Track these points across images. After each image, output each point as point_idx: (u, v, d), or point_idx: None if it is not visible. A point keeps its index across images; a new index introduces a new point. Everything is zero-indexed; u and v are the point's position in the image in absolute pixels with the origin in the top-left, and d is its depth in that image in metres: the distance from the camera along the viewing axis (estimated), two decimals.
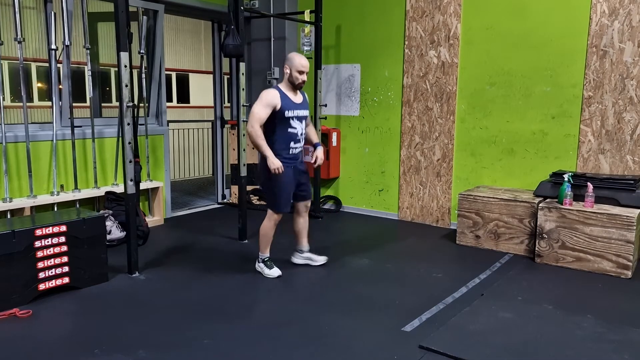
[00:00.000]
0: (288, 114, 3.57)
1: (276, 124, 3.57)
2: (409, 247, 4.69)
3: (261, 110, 3.49)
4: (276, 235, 3.88)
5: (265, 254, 3.84)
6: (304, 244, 4.02)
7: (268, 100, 3.51)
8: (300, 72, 3.56)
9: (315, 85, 5.52)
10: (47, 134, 4.48)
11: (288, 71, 3.58)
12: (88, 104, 4.92)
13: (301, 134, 3.70)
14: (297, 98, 3.67)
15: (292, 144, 3.65)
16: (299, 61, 3.55)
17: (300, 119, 3.66)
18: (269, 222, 3.78)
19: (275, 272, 3.77)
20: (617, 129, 4.35)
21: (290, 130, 3.62)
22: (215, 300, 3.36)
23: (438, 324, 3.01)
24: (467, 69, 5.04)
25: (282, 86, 3.63)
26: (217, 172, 6.46)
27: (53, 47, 4.38)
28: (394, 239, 4.92)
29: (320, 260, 4.00)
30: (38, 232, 3.27)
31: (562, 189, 4.09)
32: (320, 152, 3.79)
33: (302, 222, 3.98)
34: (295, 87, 3.63)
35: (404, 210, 5.57)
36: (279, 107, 3.52)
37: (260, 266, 3.83)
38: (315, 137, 3.92)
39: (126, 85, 3.58)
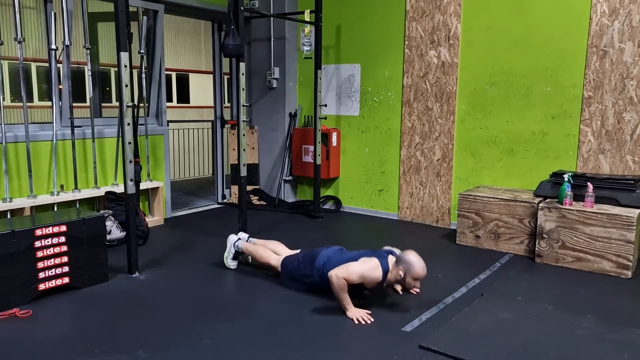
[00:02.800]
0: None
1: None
2: (409, 247, 4.66)
3: (355, 276, 3.08)
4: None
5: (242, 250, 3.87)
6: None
7: (369, 277, 3.10)
8: (416, 280, 3.11)
9: (315, 85, 5.52)
10: (47, 134, 4.48)
11: (402, 274, 3.08)
12: (88, 104, 4.92)
13: None
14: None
15: None
16: (419, 268, 3.06)
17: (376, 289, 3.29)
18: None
19: (233, 264, 3.89)
20: (617, 129, 4.35)
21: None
22: (215, 300, 3.36)
23: (438, 324, 3.01)
24: (467, 69, 5.04)
25: (389, 276, 3.14)
26: (217, 172, 6.46)
27: (53, 47, 4.38)
28: (394, 239, 4.92)
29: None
30: (38, 232, 3.27)
31: (562, 189, 4.09)
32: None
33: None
34: (402, 289, 3.24)
35: (404, 210, 5.57)
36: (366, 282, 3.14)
37: (231, 250, 3.91)
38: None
39: (126, 85, 3.58)
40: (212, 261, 4.16)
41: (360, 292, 3.28)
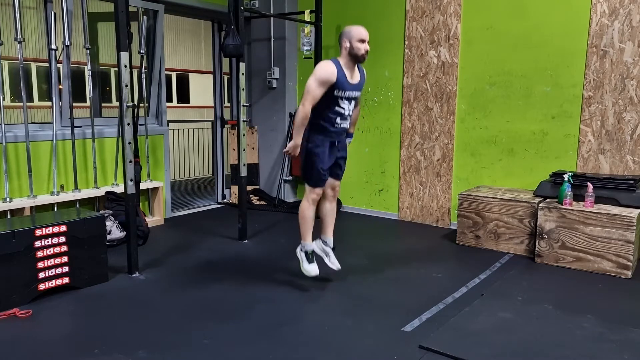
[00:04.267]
0: (338, 93, 3.30)
1: (323, 99, 3.29)
2: (409, 247, 4.69)
3: (316, 88, 3.21)
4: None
5: (307, 241, 3.52)
6: (327, 234, 3.70)
7: (325, 76, 3.22)
8: (362, 41, 3.26)
9: None
10: (47, 134, 4.48)
11: (347, 44, 3.27)
12: (88, 104, 4.92)
13: (348, 114, 3.44)
14: (355, 77, 3.40)
15: (337, 120, 3.39)
16: (357, 30, 3.27)
17: (350, 99, 3.40)
18: (306, 202, 3.50)
19: (313, 269, 3.49)
20: (617, 129, 4.35)
21: (337, 108, 3.35)
22: (215, 300, 3.36)
23: (438, 324, 3.01)
24: (467, 69, 5.04)
25: (341, 60, 3.31)
26: (217, 172, 6.46)
27: (53, 47, 4.38)
28: (394, 239, 4.92)
29: (335, 265, 3.59)
30: (38, 232, 3.27)
31: (562, 189, 4.09)
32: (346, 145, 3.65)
33: (327, 208, 3.67)
34: (358, 59, 3.32)
35: (404, 210, 5.57)
36: (332, 84, 3.25)
37: (300, 255, 3.55)
38: (352, 126, 3.64)
39: (126, 85, 3.58)
40: (212, 261, 4.16)
41: (362, 294, 3.23)
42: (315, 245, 3.60)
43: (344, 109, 3.38)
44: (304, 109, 3.22)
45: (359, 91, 3.47)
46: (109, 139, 4.94)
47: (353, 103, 3.47)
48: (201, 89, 16.98)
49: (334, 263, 3.60)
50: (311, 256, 3.54)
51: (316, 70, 3.27)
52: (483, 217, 4.51)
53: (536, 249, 4.17)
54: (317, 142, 3.40)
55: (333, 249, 3.67)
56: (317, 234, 3.64)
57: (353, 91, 3.39)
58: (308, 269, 3.51)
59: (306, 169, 3.47)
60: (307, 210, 3.50)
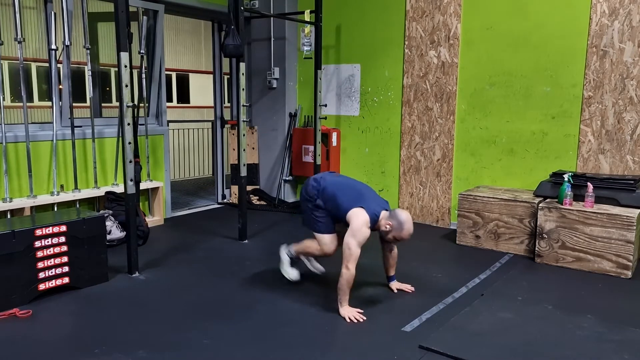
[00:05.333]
0: None
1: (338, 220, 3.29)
2: (408, 247, 4.68)
3: (358, 250, 3.09)
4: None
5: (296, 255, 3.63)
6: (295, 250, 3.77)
7: (364, 239, 3.11)
8: (400, 240, 3.20)
9: (315, 85, 5.52)
10: (47, 134, 4.48)
11: (388, 229, 3.15)
12: (88, 104, 4.92)
13: None
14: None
15: None
16: (407, 231, 3.12)
17: None
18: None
19: (295, 274, 3.62)
20: (617, 129, 4.35)
21: None
22: (215, 300, 3.36)
23: (438, 324, 3.01)
24: (467, 69, 5.04)
25: (378, 224, 3.19)
26: (217, 172, 6.46)
27: (53, 47, 4.38)
28: None
29: (318, 269, 3.71)
30: (38, 232, 3.26)
31: (562, 189, 4.09)
32: (400, 285, 3.56)
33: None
34: (382, 239, 3.31)
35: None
36: None
37: (284, 257, 3.65)
38: (393, 269, 3.57)
39: (126, 85, 3.58)
40: (212, 261, 4.16)
41: (362, 294, 3.24)
42: (292, 249, 3.67)
43: None
44: (350, 272, 3.08)
45: None
46: (109, 139, 4.94)
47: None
48: (201, 89, 16.98)
49: (317, 267, 3.71)
50: (296, 262, 3.65)
51: (355, 230, 3.10)
52: (483, 217, 4.51)
53: (536, 249, 4.17)
54: (324, 221, 3.39)
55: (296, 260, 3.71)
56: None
57: None
58: (288, 272, 3.63)
59: (313, 224, 3.44)
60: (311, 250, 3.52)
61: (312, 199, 3.36)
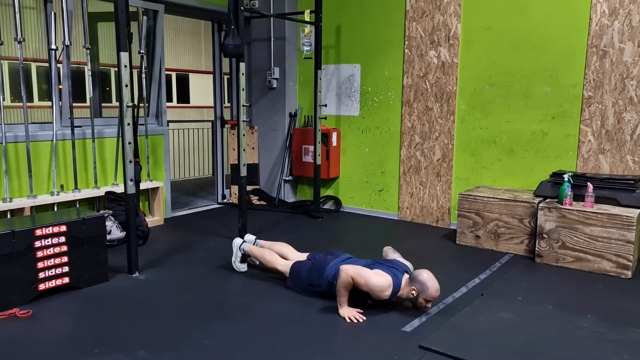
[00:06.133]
0: None
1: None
2: (409, 247, 4.69)
3: (363, 281, 3.03)
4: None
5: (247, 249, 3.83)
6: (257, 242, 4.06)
7: (375, 290, 3.05)
8: (429, 301, 3.09)
9: (315, 85, 5.52)
10: (47, 134, 4.48)
11: (415, 294, 3.06)
12: (88, 104, 4.92)
13: None
14: None
15: None
16: (433, 291, 3.04)
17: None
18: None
19: (243, 267, 3.86)
20: (617, 129, 4.35)
21: None
22: (215, 300, 3.36)
23: (438, 324, 3.01)
24: (467, 69, 5.04)
25: (400, 293, 3.12)
26: (217, 172, 6.46)
27: (53, 47, 4.38)
28: (394, 239, 4.92)
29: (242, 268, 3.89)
30: (38, 232, 3.26)
31: (562, 189, 4.09)
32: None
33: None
34: (414, 306, 3.19)
35: (404, 210, 5.57)
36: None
37: (237, 252, 3.87)
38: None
39: (126, 85, 3.58)
40: (212, 261, 4.16)
41: (364, 301, 3.23)
42: (245, 247, 3.88)
43: None
44: (347, 276, 3.05)
45: None
46: (109, 139, 4.94)
47: None
48: (201, 89, 16.98)
49: (240, 267, 3.89)
50: (246, 257, 3.87)
51: (377, 282, 3.04)
52: (483, 217, 4.50)
53: (536, 249, 4.16)
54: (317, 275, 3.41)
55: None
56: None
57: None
58: (239, 267, 3.86)
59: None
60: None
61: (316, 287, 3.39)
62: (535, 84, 4.70)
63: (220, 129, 6.37)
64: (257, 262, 3.90)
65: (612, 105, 4.35)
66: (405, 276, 3.16)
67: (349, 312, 3.09)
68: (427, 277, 3.06)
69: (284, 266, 3.60)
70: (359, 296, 3.15)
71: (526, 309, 3.23)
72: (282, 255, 3.72)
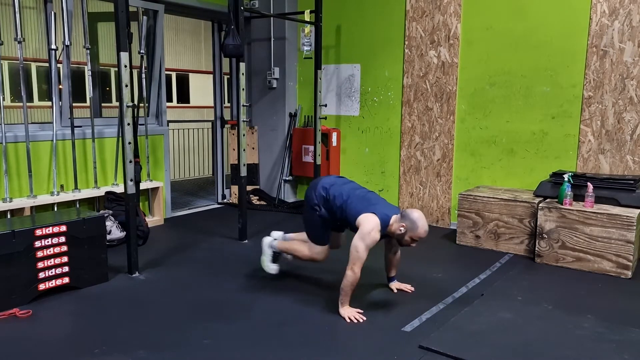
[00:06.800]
0: None
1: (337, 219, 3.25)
2: (409, 247, 4.69)
3: (365, 253, 3.04)
4: None
5: (279, 251, 3.64)
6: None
7: (372, 244, 3.07)
8: (416, 240, 3.11)
9: (315, 85, 5.52)
10: (47, 134, 4.48)
11: (403, 230, 3.08)
12: (88, 104, 4.92)
13: None
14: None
15: None
16: (422, 230, 3.05)
17: None
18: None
19: (274, 267, 3.65)
20: (617, 129, 4.35)
21: None
22: (215, 300, 3.36)
23: (438, 324, 3.01)
24: (467, 69, 5.04)
25: (389, 229, 3.13)
26: (217, 172, 6.46)
27: (53, 47, 4.38)
28: None
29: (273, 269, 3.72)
30: (38, 232, 3.26)
31: (562, 189, 4.09)
32: (397, 286, 3.54)
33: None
34: (399, 244, 3.24)
35: None
36: None
37: (267, 250, 3.66)
38: (394, 270, 3.57)
39: (126, 85, 3.58)
40: (212, 261, 4.16)
41: (362, 294, 3.23)
42: (276, 244, 3.66)
43: None
44: (355, 275, 3.06)
45: None
46: (109, 139, 4.94)
47: None
48: (201, 89, 16.98)
49: (271, 268, 3.70)
50: (278, 256, 3.66)
51: (364, 233, 3.04)
52: (483, 217, 4.51)
53: (536, 249, 4.17)
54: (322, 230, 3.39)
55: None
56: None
57: None
58: (269, 267, 3.65)
59: (314, 230, 3.44)
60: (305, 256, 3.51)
61: (317, 208, 3.34)
62: (535, 84, 4.70)
63: (220, 129, 6.37)
64: (290, 257, 3.66)
65: (612, 105, 4.35)
66: (396, 216, 3.15)
67: (349, 312, 3.09)
68: (418, 216, 3.08)
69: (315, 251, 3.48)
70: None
71: (526, 309, 3.23)
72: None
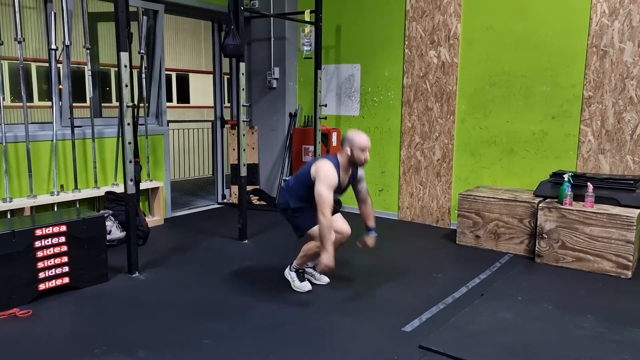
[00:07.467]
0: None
1: (312, 193, 3.28)
2: (408, 247, 4.69)
3: (329, 194, 3.19)
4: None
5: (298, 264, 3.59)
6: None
7: (333, 183, 3.23)
8: (363, 150, 3.29)
9: (315, 85, 5.52)
10: (47, 134, 4.48)
11: (349, 151, 3.28)
12: (88, 104, 4.92)
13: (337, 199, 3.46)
14: (347, 177, 3.43)
15: None
16: (360, 139, 3.29)
17: (337, 193, 3.40)
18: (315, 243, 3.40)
19: (306, 285, 3.54)
20: (617, 129, 4.35)
21: None
22: (215, 300, 3.36)
23: (438, 324, 3.01)
24: (467, 69, 5.04)
25: (341, 161, 3.33)
26: (217, 172, 6.46)
27: (53, 47, 4.38)
28: (394, 239, 4.92)
29: (323, 280, 3.68)
30: (38, 232, 3.27)
31: (562, 189, 4.09)
32: (370, 241, 3.58)
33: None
34: (356, 165, 3.40)
35: (404, 210, 5.57)
36: None
37: (290, 276, 3.59)
38: (370, 220, 3.63)
39: (126, 85, 3.58)
40: (212, 261, 4.16)
41: (362, 294, 3.22)
42: (293, 264, 3.63)
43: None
44: (326, 220, 3.16)
45: (351, 184, 3.51)
46: (109, 139, 4.94)
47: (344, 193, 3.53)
48: (201, 89, 16.97)
49: (321, 280, 3.69)
50: (302, 274, 3.60)
51: (321, 176, 3.22)
52: (483, 217, 4.50)
53: (536, 249, 4.17)
54: (303, 211, 3.43)
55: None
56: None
57: (342, 192, 3.49)
58: (300, 286, 3.54)
59: (301, 223, 3.48)
60: (312, 245, 3.46)
61: (286, 207, 3.46)
62: (535, 84, 4.70)
63: (220, 129, 6.37)
64: (311, 265, 3.68)
65: (612, 105, 4.35)
66: (339, 152, 3.37)
67: (328, 261, 3.15)
68: (351, 133, 3.36)
69: (335, 234, 3.48)
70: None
71: (526, 309, 3.23)
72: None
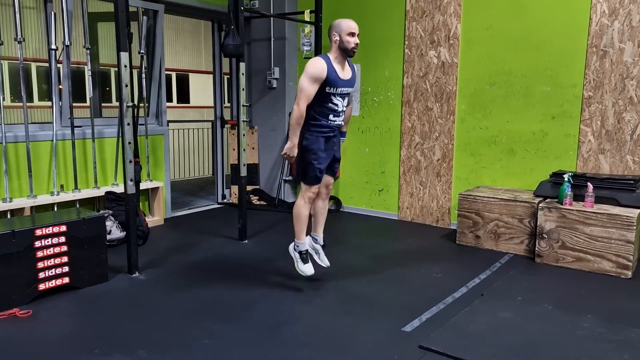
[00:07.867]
0: (330, 89, 3.26)
1: (315, 96, 3.25)
2: (408, 247, 4.69)
3: (309, 86, 3.18)
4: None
5: (302, 240, 3.53)
6: (318, 232, 3.69)
7: (316, 73, 3.19)
8: (352, 34, 3.24)
9: None
10: (47, 134, 4.48)
11: (337, 38, 3.25)
12: (88, 104, 4.92)
13: (342, 110, 3.41)
14: (346, 72, 3.35)
15: (331, 116, 3.36)
16: (347, 23, 3.26)
17: (343, 96, 3.36)
18: (302, 200, 3.46)
19: (308, 269, 3.49)
20: (617, 129, 4.35)
21: (330, 105, 3.32)
22: (215, 300, 3.36)
23: (438, 324, 3.01)
24: (467, 69, 5.04)
25: (331, 55, 3.30)
26: (217, 172, 6.46)
27: (53, 47, 4.38)
28: (394, 239, 4.92)
29: (324, 262, 3.67)
30: (38, 232, 3.27)
31: (562, 189, 4.09)
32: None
33: (320, 206, 3.63)
34: (348, 53, 3.29)
35: (404, 210, 5.57)
36: (323, 81, 3.22)
37: (294, 255, 3.55)
38: (345, 125, 3.58)
39: (126, 85, 3.58)
40: (212, 261, 4.16)
41: (362, 294, 3.23)
42: (307, 243, 3.62)
43: (337, 105, 3.36)
44: (299, 109, 3.21)
45: (351, 87, 3.42)
46: (109, 139, 4.94)
47: (346, 100, 3.45)
48: (201, 89, 16.98)
49: (323, 260, 3.67)
50: (306, 256, 3.54)
51: (307, 67, 3.23)
52: (483, 217, 4.51)
53: (536, 249, 4.17)
54: (312, 140, 3.37)
55: (323, 247, 3.72)
56: (307, 230, 3.63)
57: (345, 87, 3.36)
58: (303, 269, 3.51)
59: (303, 168, 3.43)
60: (302, 209, 3.49)
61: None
62: (535, 84, 4.70)
63: (220, 129, 6.37)
64: (317, 257, 3.64)
65: (612, 105, 4.35)
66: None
67: (291, 151, 3.29)
68: (337, 21, 3.34)
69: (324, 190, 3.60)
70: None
71: (526, 309, 3.23)
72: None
